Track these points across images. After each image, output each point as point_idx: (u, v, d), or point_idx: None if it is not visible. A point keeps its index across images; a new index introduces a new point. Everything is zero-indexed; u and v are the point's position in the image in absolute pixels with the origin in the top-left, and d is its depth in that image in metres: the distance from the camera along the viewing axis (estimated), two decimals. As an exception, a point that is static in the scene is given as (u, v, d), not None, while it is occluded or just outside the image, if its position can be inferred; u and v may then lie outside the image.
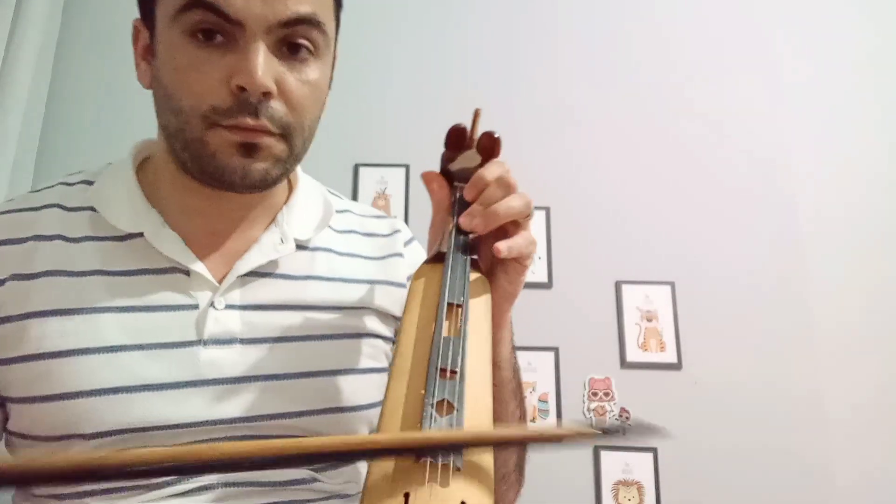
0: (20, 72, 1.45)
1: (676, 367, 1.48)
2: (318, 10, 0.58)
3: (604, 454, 1.41)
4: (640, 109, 1.67)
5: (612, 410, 1.45)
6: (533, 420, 1.43)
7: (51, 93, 1.62)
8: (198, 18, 0.54)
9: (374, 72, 1.66)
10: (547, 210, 1.58)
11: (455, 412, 0.41)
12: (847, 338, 1.51)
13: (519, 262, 0.58)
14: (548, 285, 1.53)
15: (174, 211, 0.62)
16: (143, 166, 0.66)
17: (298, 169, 0.71)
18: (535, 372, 1.46)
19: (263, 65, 0.54)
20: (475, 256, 0.57)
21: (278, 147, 0.58)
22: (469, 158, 0.61)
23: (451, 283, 0.52)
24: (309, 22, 0.57)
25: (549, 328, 1.50)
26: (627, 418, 1.44)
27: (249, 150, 0.56)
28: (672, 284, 1.53)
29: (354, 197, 1.57)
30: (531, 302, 1.51)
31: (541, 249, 1.55)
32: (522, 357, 1.58)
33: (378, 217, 0.76)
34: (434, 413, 0.41)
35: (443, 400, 0.42)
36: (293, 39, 0.57)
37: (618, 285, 1.53)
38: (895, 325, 1.52)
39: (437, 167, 0.64)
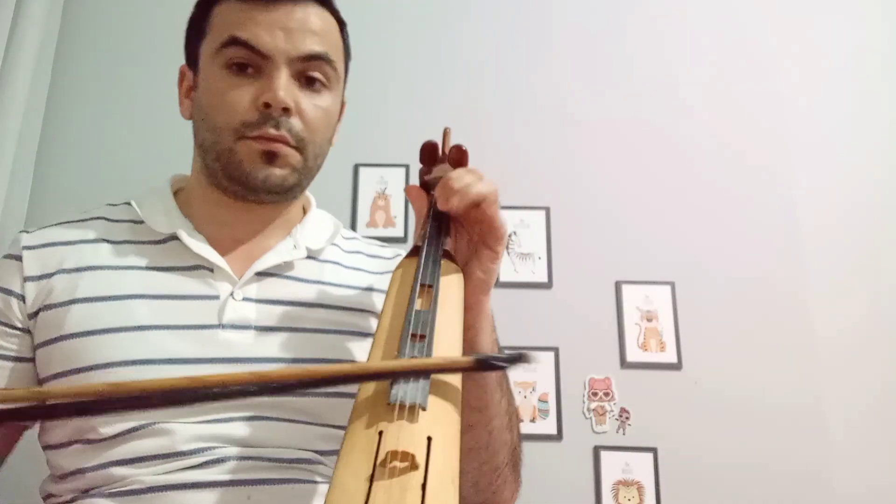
0: (20, 72, 1.45)
1: (676, 367, 1.48)
2: (330, 51, 0.73)
3: (604, 454, 1.41)
4: (641, 110, 1.67)
5: (612, 410, 1.45)
6: (532, 420, 1.43)
7: (51, 93, 1.62)
8: (234, 53, 0.69)
9: (374, 72, 1.66)
10: (547, 210, 1.58)
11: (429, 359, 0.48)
12: (847, 337, 1.51)
13: (490, 247, 0.64)
14: (548, 285, 1.53)
15: (203, 221, 0.74)
16: (177, 193, 0.80)
17: (313, 201, 0.84)
18: (535, 372, 1.46)
19: (285, 87, 0.69)
20: (447, 246, 0.64)
21: (295, 157, 0.71)
22: (442, 170, 0.69)
23: (423, 268, 0.58)
24: (322, 58, 0.72)
25: (549, 328, 1.50)
26: (627, 418, 1.44)
27: (271, 158, 0.69)
28: (672, 284, 1.53)
29: (354, 197, 1.58)
30: (531, 302, 1.52)
31: (541, 249, 1.55)
32: (522, 357, 1.54)
33: (382, 246, 0.87)
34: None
35: (413, 357, 0.48)
36: (309, 72, 0.71)
37: (618, 285, 1.53)
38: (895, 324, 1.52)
39: None
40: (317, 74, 0.72)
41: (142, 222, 0.74)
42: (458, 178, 0.63)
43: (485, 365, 0.48)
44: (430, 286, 0.57)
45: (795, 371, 1.48)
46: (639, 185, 1.61)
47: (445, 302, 0.56)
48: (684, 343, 1.49)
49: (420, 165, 0.74)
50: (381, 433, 0.42)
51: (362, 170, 1.60)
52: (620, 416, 1.45)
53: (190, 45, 0.77)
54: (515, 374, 1.45)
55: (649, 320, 1.51)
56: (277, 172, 0.70)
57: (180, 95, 0.78)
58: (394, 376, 0.45)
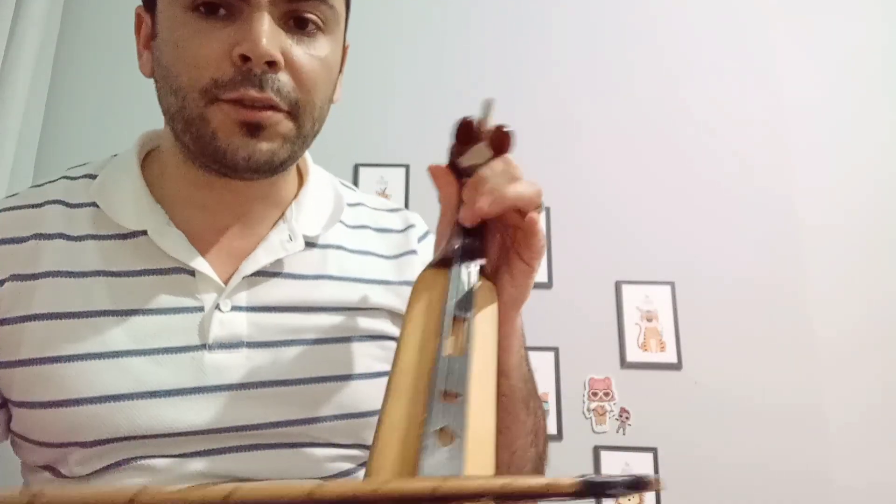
0: (20, 72, 1.45)
1: (676, 367, 1.48)
2: None
3: (604, 454, 1.41)
4: (641, 110, 1.67)
5: (612, 410, 1.45)
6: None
7: (51, 93, 1.62)
8: None
9: (374, 71, 1.66)
10: (547, 210, 1.57)
11: (456, 441, 0.38)
12: (847, 336, 1.51)
13: (525, 262, 0.53)
14: (548, 285, 1.53)
15: (179, 206, 0.60)
16: (148, 159, 0.65)
17: (310, 159, 0.68)
18: (535, 372, 1.46)
19: (269, 33, 0.52)
20: (483, 261, 0.52)
21: (285, 125, 0.55)
22: (479, 153, 0.55)
23: (456, 293, 0.47)
24: None
25: (549, 328, 1.50)
26: (627, 418, 1.44)
27: (253, 129, 0.54)
28: (672, 284, 1.53)
29: (354, 197, 1.57)
30: (531, 302, 1.50)
31: (541, 249, 1.55)
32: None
33: (392, 210, 0.73)
34: (435, 443, 0.37)
35: (446, 428, 0.38)
36: (300, 13, 0.55)
37: (618, 285, 1.53)
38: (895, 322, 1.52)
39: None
40: (309, 14, 0.55)
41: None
42: (491, 178, 0.51)
43: (596, 491, 0.32)
44: (463, 320, 0.46)
45: (795, 371, 1.48)
46: (639, 185, 1.61)
47: (479, 342, 0.45)
48: (684, 343, 1.49)
49: (451, 144, 0.58)
50: None
51: (362, 170, 1.60)
52: (620, 416, 1.45)
53: None
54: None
55: (649, 320, 1.51)
56: (264, 147, 0.54)
57: (138, 47, 0.62)
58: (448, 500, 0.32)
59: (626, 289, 1.53)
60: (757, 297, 1.53)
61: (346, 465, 0.59)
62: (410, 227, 0.71)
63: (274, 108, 0.54)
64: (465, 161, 0.56)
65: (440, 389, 0.40)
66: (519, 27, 1.72)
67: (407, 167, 1.59)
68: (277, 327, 0.58)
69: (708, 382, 1.47)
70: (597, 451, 1.42)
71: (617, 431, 1.44)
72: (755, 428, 1.44)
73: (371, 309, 0.63)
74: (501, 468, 0.55)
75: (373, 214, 0.71)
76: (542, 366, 1.47)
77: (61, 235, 0.59)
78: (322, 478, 0.57)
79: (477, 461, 0.38)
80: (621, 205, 1.59)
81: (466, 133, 0.57)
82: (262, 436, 0.55)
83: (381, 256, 0.67)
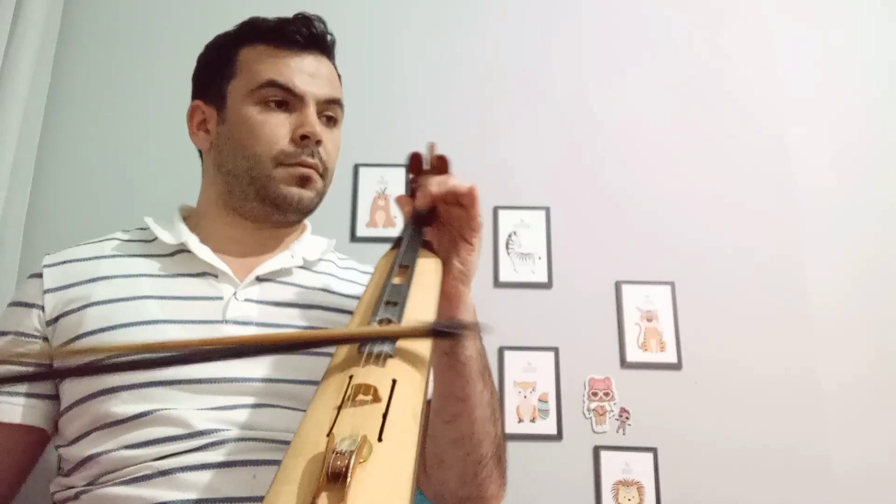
0: (20, 72, 1.45)
1: (676, 367, 1.48)
2: (339, 95, 0.88)
3: (604, 454, 1.41)
4: (641, 110, 1.67)
5: (612, 410, 1.45)
6: (532, 420, 1.43)
7: (51, 93, 1.62)
8: (271, 92, 0.81)
9: (374, 72, 1.66)
10: (547, 210, 1.58)
11: (392, 325, 0.53)
12: (849, 337, 1.51)
13: (467, 240, 0.70)
14: (548, 285, 1.53)
15: (211, 237, 0.83)
16: (186, 219, 0.88)
17: (308, 225, 0.93)
18: (535, 372, 1.46)
19: (317, 122, 0.82)
20: (427, 240, 0.71)
21: (320, 183, 0.84)
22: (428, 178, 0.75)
23: (402, 252, 0.65)
24: (337, 102, 0.87)
25: (549, 328, 1.50)
26: (627, 418, 1.44)
27: (304, 182, 0.81)
28: (672, 284, 1.53)
29: (354, 197, 1.57)
30: (531, 302, 1.52)
31: (541, 249, 1.55)
32: (522, 357, 1.57)
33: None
34: (376, 325, 0.54)
35: (385, 319, 0.54)
36: (328, 113, 0.86)
37: (618, 285, 1.53)
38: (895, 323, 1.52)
39: None
40: (332, 114, 0.86)
41: (154, 239, 0.83)
42: (438, 179, 0.71)
43: (439, 333, 0.52)
44: (406, 266, 0.63)
45: (796, 371, 1.48)
46: (639, 185, 1.61)
47: (421, 280, 0.62)
48: (684, 343, 1.49)
49: (410, 175, 0.82)
50: (351, 376, 0.47)
51: (362, 170, 1.60)
52: (620, 416, 1.45)
53: (209, 82, 0.86)
54: (515, 374, 1.45)
55: (649, 320, 1.51)
56: (308, 195, 0.82)
57: (191, 128, 0.88)
58: (361, 340, 0.51)
59: (626, 289, 1.53)
60: (757, 297, 1.53)
61: None
62: None
63: (317, 170, 0.82)
64: (419, 186, 0.76)
65: (385, 300, 0.56)
66: (519, 27, 1.72)
67: (407, 167, 1.59)
68: (280, 315, 0.78)
69: (708, 382, 1.47)
70: (597, 450, 1.42)
71: (617, 431, 1.44)
72: (755, 428, 1.44)
73: (352, 312, 0.81)
74: (464, 439, 0.74)
75: (359, 265, 0.95)
76: (542, 366, 1.47)
77: (117, 255, 0.82)
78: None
79: (406, 343, 0.52)
80: (621, 205, 1.59)
81: (417, 164, 0.80)
82: (264, 390, 0.70)
83: (363, 285, 0.83)
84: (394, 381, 0.46)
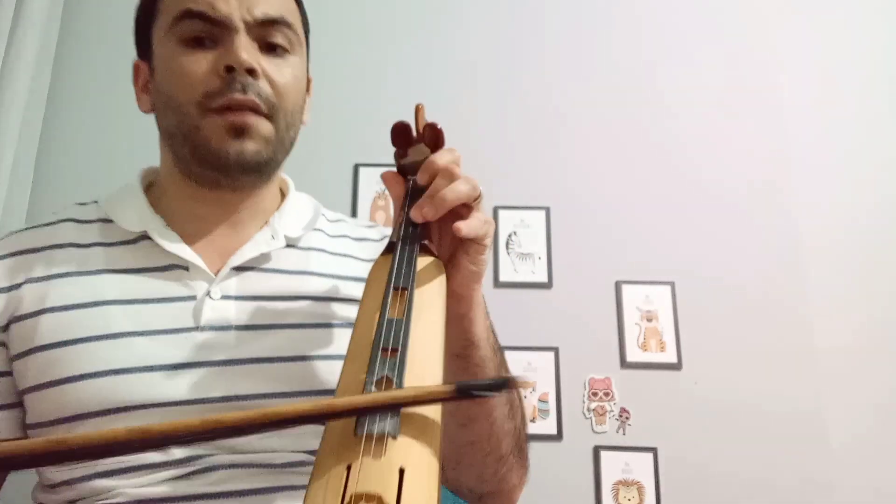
0: (20, 72, 1.45)
1: (676, 367, 1.48)
2: (286, 14, 0.69)
3: (604, 454, 1.41)
4: (642, 111, 1.66)
5: (612, 410, 1.45)
6: (533, 420, 1.43)
7: (51, 93, 1.62)
8: (188, 27, 0.65)
9: (373, 72, 1.66)
10: (547, 210, 1.58)
11: (394, 387, 0.43)
12: (847, 337, 1.51)
13: (477, 241, 0.59)
14: (548, 285, 1.53)
15: (176, 217, 0.70)
16: (149, 188, 0.75)
17: (291, 184, 0.79)
18: (535, 372, 1.46)
19: (246, 48, 0.65)
20: (425, 242, 0.58)
21: (265, 127, 0.66)
22: (419, 152, 0.66)
23: (397, 269, 0.54)
24: (280, 22, 0.68)
25: (549, 328, 1.50)
26: (627, 418, 1.44)
27: (239, 131, 0.64)
28: (672, 284, 1.53)
29: (354, 197, 1.57)
30: (531, 302, 1.52)
31: (541, 249, 1.55)
32: (522, 357, 1.57)
33: (369, 226, 0.82)
34: (374, 389, 0.43)
35: (383, 377, 0.44)
36: (269, 39, 0.68)
37: (618, 285, 1.53)
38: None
39: None
40: (278, 40, 0.68)
41: (112, 221, 0.70)
42: (435, 186, 0.59)
43: (465, 394, 0.43)
44: (404, 289, 0.52)
45: (795, 370, 1.48)
46: (639, 185, 1.61)
47: (423, 307, 0.52)
48: (684, 343, 1.49)
49: (394, 149, 0.70)
50: (349, 468, 0.39)
51: (362, 170, 1.60)
52: (620, 416, 1.45)
53: (141, 33, 0.72)
54: (516, 373, 1.45)
55: (649, 320, 1.51)
56: (250, 147, 0.65)
57: (137, 92, 0.74)
58: (360, 413, 0.41)
59: (626, 289, 1.53)
60: (757, 297, 1.53)
61: None
62: (385, 237, 0.79)
63: (256, 110, 0.65)
64: (407, 160, 0.67)
65: (381, 347, 0.46)
66: (518, 27, 1.72)
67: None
68: (264, 312, 0.66)
69: (708, 382, 1.47)
70: (597, 450, 1.42)
71: (617, 431, 1.44)
72: (755, 428, 1.44)
73: (348, 300, 0.70)
74: (482, 440, 0.67)
75: (353, 228, 0.81)
76: (542, 366, 1.47)
77: (72, 245, 0.68)
78: (308, 451, 0.62)
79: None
80: (621, 205, 1.59)
81: (403, 136, 0.69)
82: (244, 407, 0.60)
83: (359, 259, 0.75)
84: (401, 472, 0.38)
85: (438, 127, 0.66)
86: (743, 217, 1.59)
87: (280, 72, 0.67)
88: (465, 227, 0.57)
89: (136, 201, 0.72)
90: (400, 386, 0.44)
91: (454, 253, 0.60)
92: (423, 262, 0.56)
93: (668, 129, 1.65)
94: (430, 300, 0.53)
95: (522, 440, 0.72)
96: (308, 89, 0.76)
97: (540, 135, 1.64)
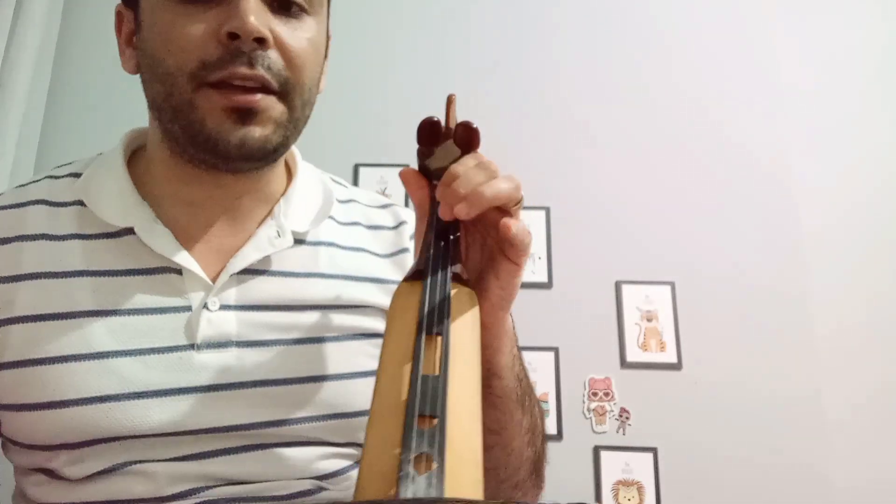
0: (20, 72, 1.45)
1: (676, 367, 1.48)
2: None
3: (604, 454, 1.41)
4: (642, 110, 1.66)
5: (612, 410, 1.45)
6: (533, 420, 1.43)
7: (51, 93, 1.62)
8: None
9: (374, 71, 1.66)
10: (547, 210, 1.58)
11: (435, 466, 0.36)
12: (847, 337, 1.51)
13: (512, 260, 0.51)
14: (548, 285, 1.53)
15: (166, 203, 0.59)
16: (134, 157, 0.63)
17: (298, 154, 0.67)
18: (535, 372, 1.46)
19: (256, 10, 0.51)
20: (456, 269, 0.49)
21: (277, 108, 0.54)
22: (447, 151, 0.55)
23: (429, 309, 0.45)
24: None
25: (549, 328, 1.50)
26: (627, 418, 1.44)
27: (244, 116, 0.52)
28: (672, 284, 1.53)
29: (354, 197, 1.57)
30: (531, 302, 1.51)
31: (541, 249, 1.55)
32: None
33: (383, 206, 0.71)
34: (412, 472, 0.35)
35: (422, 455, 0.37)
36: None
37: (618, 285, 1.53)
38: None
39: None
40: None
41: None
42: (466, 175, 0.48)
43: None
44: (437, 334, 0.43)
45: (795, 370, 1.48)
46: (639, 185, 1.61)
47: (458, 358, 0.43)
48: (684, 343, 1.49)
49: (418, 146, 0.58)
50: None
51: (362, 170, 1.60)
52: (620, 416, 1.45)
53: None
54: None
55: (649, 320, 1.51)
56: (257, 133, 0.53)
57: (120, 45, 0.63)
58: None
59: (626, 289, 1.53)
60: (757, 297, 1.53)
61: (342, 464, 0.58)
62: (402, 223, 0.69)
63: (264, 89, 0.52)
64: (435, 163, 0.55)
65: (417, 413, 0.38)
66: (520, 27, 1.72)
67: (407, 167, 1.59)
68: (268, 325, 0.56)
69: (708, 382, 1.47)
70: (597, 451, 1.42)
71: (617, 431, 1.44)
72: (755, 427, 1.44)
73: (364, 307, 0.61)
74: (499, 468, 0.59)
75: (365, 211, 0.69)
76: (542, 366, 1.47)
77: (44, 236, 0.57)
78: (316, 477, 0.56)
79: (459, 482, 0.36)
80: (621, 205, 1.59)
81: (432, 133, 0.57)
82: (253, 436, 0.54)
83: (375, 254, 0.66)
84: None
85: (474, 126, 0.54)
86: (744, 217, 1.59)
87: (295, 37, 0.54)
88: (514, 226, 0.48)
89: (118, 183, 0.59)
90: (441, 468, 0.36)
91: (481, 274, 0.52)
92: (456, 296, 0.47)
93: (668, 129, 1.65)
94: (467, 349, 0.45)
95: (540, 464, 0.64)
96: (326, 52, 0.62)
97: (540, 135, 1.64)
